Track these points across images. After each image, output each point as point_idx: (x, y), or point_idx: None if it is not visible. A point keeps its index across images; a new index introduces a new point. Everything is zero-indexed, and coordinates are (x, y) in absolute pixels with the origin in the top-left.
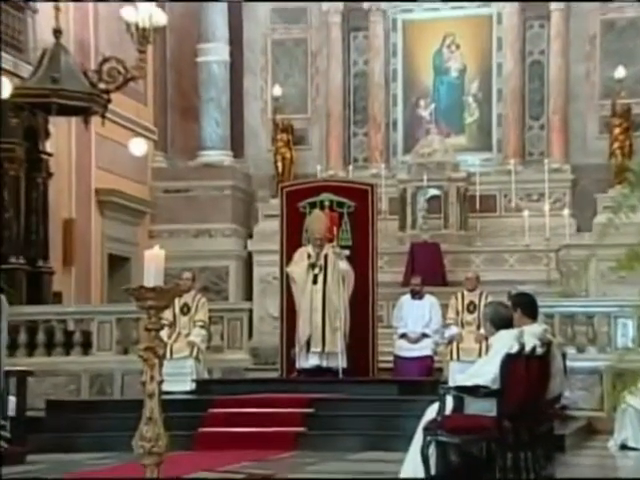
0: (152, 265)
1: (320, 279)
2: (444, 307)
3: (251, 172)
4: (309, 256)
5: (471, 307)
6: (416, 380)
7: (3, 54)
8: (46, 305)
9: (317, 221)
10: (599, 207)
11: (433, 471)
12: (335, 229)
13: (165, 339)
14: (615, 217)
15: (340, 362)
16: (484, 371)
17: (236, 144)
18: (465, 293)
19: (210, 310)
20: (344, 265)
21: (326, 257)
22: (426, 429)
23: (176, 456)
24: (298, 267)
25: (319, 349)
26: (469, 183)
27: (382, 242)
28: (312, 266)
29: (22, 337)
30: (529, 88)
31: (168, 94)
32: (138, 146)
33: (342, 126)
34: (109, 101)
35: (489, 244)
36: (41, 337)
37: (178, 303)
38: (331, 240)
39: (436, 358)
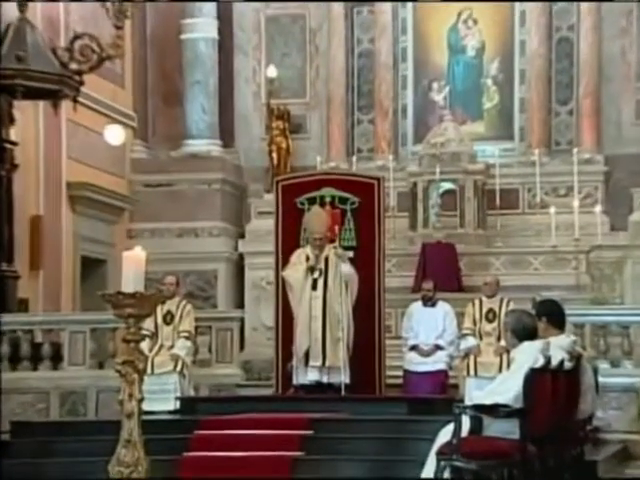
0: (131, 268)
1: (320, 284)
2: (460, 316)
3: (242, 164)
4: (308, 258)
5: (490, 316)
6: (428, 398)
7: None
8: (11, 314)
9: (316, 219)
10: (635, 203)
11: None
12: (337, 228)
13: (146, 352)
14: None
15: (342, 377)
16: (505, 388)
17: (225, 132)
18: (483, 300)
19: (196, 319)
20: (347, 268)
21: (327, 259)
22: (440, 453)
23: None
24: (295, 271)
25: (319, 363)
26: (488, 176)
27: (390, 242)
28: (311, 270)
29: None
30: (556, 69)
31: (149, 76)
32: (115, 134)
33: (345, 112)
34: (82, 83)
35: (511, 245)
36: (5, 349)
37: (160, 311)
38: (332, 240)
39: (451, 373)
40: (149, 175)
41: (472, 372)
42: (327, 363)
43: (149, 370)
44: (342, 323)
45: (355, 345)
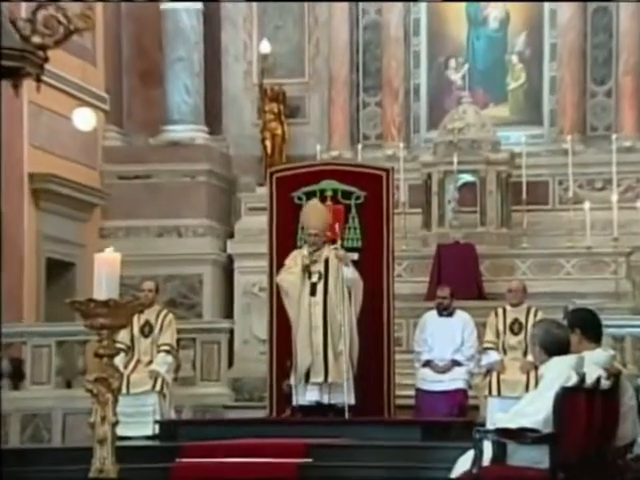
0: (104, 273)
1: (319, 289)
2: (480, 327)
3: (231, 153)
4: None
5: (515, 327)
6: (444, 421)
7: None
8: None
9: (313, 213)
10: None
11: None
12: (338, 226)
13: (121, 368)
14: None
15: (346, 397)
16: (533, 410)
17: (212, 117)
18: (508, 309)
19: (179, 330)
20: (350, 272)
21: (327, 262)
22: None
23: None
24: (291, 275)
25: (320, 379)
26: (513, 166)
27: (400, 243)
28: (306, 270)
29: None
30: (592, 43)
31: (123, 52)
32: (84, 118)
33: (349, 94)
34: (46, 60)
35: (539, 245)
36: None
37: (137, 322)
38: (334, 241)
39: (470, 393)
40: (124, 165)
41: (495, 391)
42: (330, 379)
43: (124, 389)
44: (344, 334)
45: (360, 361)
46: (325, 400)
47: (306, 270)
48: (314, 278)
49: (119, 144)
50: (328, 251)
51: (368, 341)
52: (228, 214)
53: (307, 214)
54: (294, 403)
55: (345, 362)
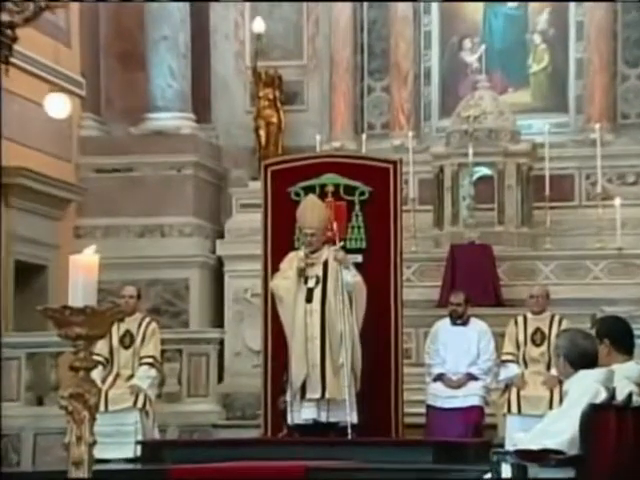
0: (80, 277)
1: (317, 295)
2: (498, 337)
3: (221, 143)
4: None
5: (538, 337)
6: (458, 442)
7: None
8: None
9: (310, 210)
10: None
11: None
12: (336, 225)
13: (98, 383)
14: None
15: (349, 415)
16: (557, 429)
17: (200, 103)
18: (529, 317)
19: (163, 341)
20: (350, 276)
21: (325, 265)
22: None
23: None
24: (285, 280)
25: (317, 395)
26: (535, 159)
27: (409, 244)
28: (302, 274)
29: None
30: (623, 21)
31: (101, 31)
32: (58, 105)
33: (352, 78)
34: (15, 40)
35: (564, 246)
36: None
37: (117, 331)
38: (333, 240)
39: (487, 410)
40: (102, 157)
41: (514, 409)
42: (327, 395)
43: (102, 407)
44: (345, 345)
45: (364, 375)
46: (323, 418)
47: (301, 274)
48: (311, 283)
49: (96, 134)
50: (327, 252)
51: (373, 353)
52: (218, 212)
53: (303, 211)
54: (288, 422)
55: (347, 376)
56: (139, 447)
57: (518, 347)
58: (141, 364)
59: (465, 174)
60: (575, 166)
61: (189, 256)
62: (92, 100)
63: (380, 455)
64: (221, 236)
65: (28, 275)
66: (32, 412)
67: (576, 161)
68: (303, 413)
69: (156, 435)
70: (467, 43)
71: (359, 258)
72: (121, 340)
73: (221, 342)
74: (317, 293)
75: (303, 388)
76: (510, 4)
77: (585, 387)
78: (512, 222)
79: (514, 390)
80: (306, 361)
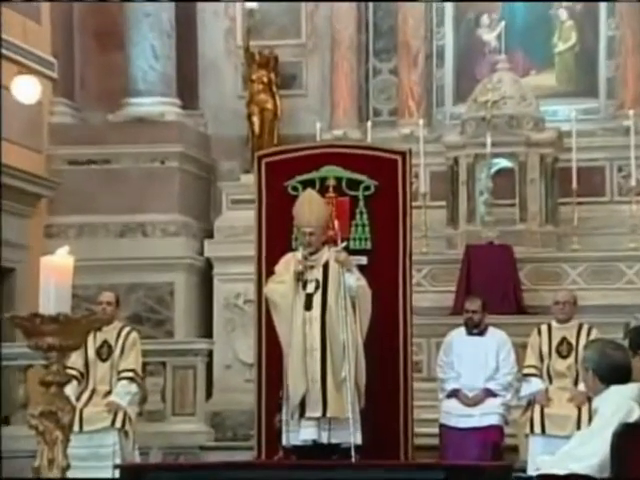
0: (52, 281)
1: (316, 302)
2: (520, 348)
3: (210, 132)
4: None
5: (564, 348)
6: (475, 465)
7: None
8: None
9: (308, 206)
10: None
11: None
12: (338, 224)
13: (72, 400)
14: None
15: (352, 435)
16: (585, 452)
17: (186, 87)
18: (554, 326)
19: (145, 353)
20: (354, 280)
21: (326, 267)
22: None
23: None
24: (281, 285)
25: (317, 413)
26: (561, 149)
27: (420, 244)
28: (300, 278)
29: None
30: None
31: (75, 6)
32: (27, 89)
33: (356, 59)
34: None
35: (593, 247)
36: None
37: (93, 342)
38: (335, 240)
39: (507, 430)
40: (76, 147)
41: (538, 429)
42: (329, 413)
43: (77, 426)
44: (348, 357)
45: (369, 391)
46: (324, 439)
47: (299, 278)
48: (309, 288)
49: (70, 121)
50: (328, 254)
51: (379, 366)
52: (206, 208)
53: (301, 208)
54: (284, 443)
55: (350, 392)
56: (117, 472)
57: (542, 360)
58: (120, 379)
59: (482, 166)
60: (606, 157)
61: (174, 258)
62: (65, 83)
63: (387, 479)
64: (210, 235)
65: None
66: None
67: (607, 151)
68: (301, 433)
69: (137, 458)
70: (485, 19)
71: (363, 260)
72: (98, 352)
73: (210, 354)
74: (317, 299)
75: (302, 405)
76: None
77: (617, 404)
78: (535, 220)
79: (537, 408)
80: (305, 375)
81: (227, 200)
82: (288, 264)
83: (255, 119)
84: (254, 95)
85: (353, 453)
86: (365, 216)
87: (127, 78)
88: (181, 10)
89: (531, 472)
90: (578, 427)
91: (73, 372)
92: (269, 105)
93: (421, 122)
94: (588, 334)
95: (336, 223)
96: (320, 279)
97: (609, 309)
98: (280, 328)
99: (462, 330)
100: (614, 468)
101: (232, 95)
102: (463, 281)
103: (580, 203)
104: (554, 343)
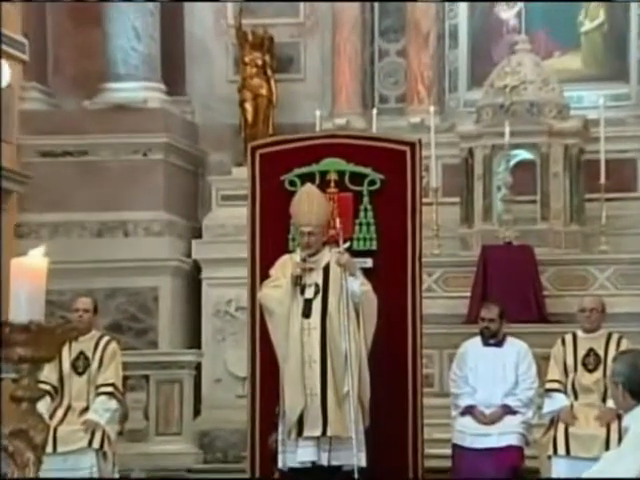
0: (24, 285)
1: (316, 309)
2: (542, 360)
3: (198, 120)
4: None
5: (591, 361)
6: None
7: None
8: None
9: (307, 202)
10: None
11: None
12: (340, 222)
13: (46, 417)
14: None
15: (356, 457)
16: (615, 474)
17: (171, 71)
18: (580, 336)
19: (125, 365)
20: (359, 285)
21: (326, 271)
22: None
23: None
24: (277, 290)
25: (317, 432)
26: (587, 139)
27: (431, 245)
28: (301, 285)
29: None
30: None
31: None
32: None
33: (360, 39)
34: None
35: (623, 248)
36: None
37: (68, 353)
38: (337, 241)
39: (527, 451)
40: (50, 137)
41: (562, 450)
42: (329, 432)
43: (50, 447)
44: (351, 370)
45: (374, 407)
46: (324, 460)
47: (297, 283)
48: (308, 293)
49: (42, 108)
50: (329, 256)
51: (385, 380)
52: (194, 205)
53: (299, 205)
54: (280, 465)
55: (353, 409)
56: None
57: (566, 373)
58: (98, 394)
59: (500, 158)
60: (637, 148)
61: (158, 260)
62: (37, 66)
63: None
64: (198, 235)
65: None
66: None
67: (638, 142)
68: (299, 454)
69: None
70: None
71: (368, 262)
72: (73, 364)
73: (197, 367)
74: (316, 305)
75: (299, 423)
76: None
77: None
78: (559, 218)
79: (561, 427)
80: (303, 390)
81: (217, 196)
82: (284, 267)
83: (248, 106)
84: (247, 79)
85: (356, 476)
86: (370, 214)
87: (106, 60)
88: None
89: None
90: (606, 448)
91: (46, 387)
92: (263, 91)
93: (432, 109)
94: (618, 345)
95: (338, 221)
96: (320, 283)
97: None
98: (276, 338)
99: (478, 340)
100: None
101: (222, 80)
102: (479, 286)
103: (609, 199)
104: (580, 355)
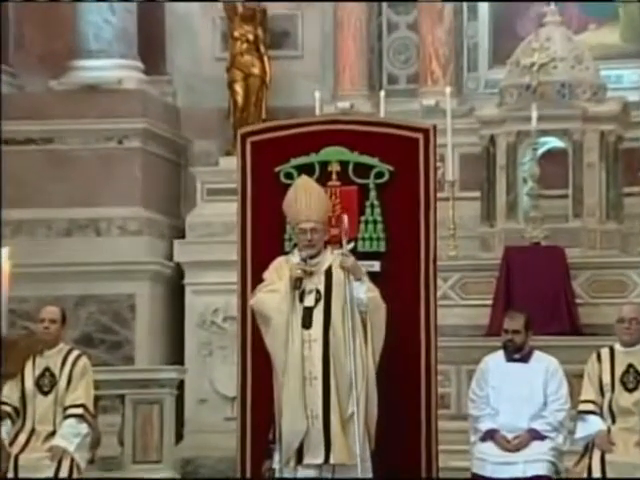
0: None
1: (317, 318)
2: (574, 378)
3: (181, 104)
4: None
5: (630, 379)
6: None
7: None
8: None
9: (304, 196)
10: None
11: None
12: (348, 219)
13: (6, 443)
14: None
15: None
16: None
17: (150, 47)
18: (618, 350)
19: (98, 384)
20: (365, 291)
21: (329, 275)
22: None
23: None
24: (273, 296)
25: (319, 460)
26: (626, 125)
27: (447, 246)
28: (299, 292)
29: None
30: None
31: None
32: None
33: (365, 12)
34: None
35: None
36: None
37: (32, 370)
38: (339, 241)
39: None
40: (11, 123)
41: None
42: (333, 459)
43: (11, 476)
44: (356, 389)
45: (382, 430)
46: None
47: (297, 286)
48: (309, 300)
49: (4, 90)
50: (331, 258)
51: (395, 400)
52: (176, 200)
53: (295, 200)
54: None
55: (359, 432)
56: None
57: (602, 393)
58: (66, 416)
59: (526, 147)
60: None
61: (135, 263)
62: None
63: None
64: (181, 235)
65: None
66: None
67: None
68: (299, 473)
69: None
70: None
71: (375, 266)
72: (38, 382)
73: (180, 385)
74: (317, 315)
75: (299, 450)
76: None
77: None
78: (594, 215)
79: (596, 454)
80: (304, 411)
81: (202, 190)
82: (280, 270)
83: (238, 87)
84: (236, 57)
85: None
86: (377, 210)
87: (75, 36)
88: None
89: None
90: None
91: (7, 408)
92: (256, 70)
93: (448, 91)
94: None
95: (345, 218)
96: (322, 289)
97: None
98: (274, 350)
99: (500, 355)
100: None
101: (209, 57)
102: (501, 293)
103: None
104: (618, 372)
